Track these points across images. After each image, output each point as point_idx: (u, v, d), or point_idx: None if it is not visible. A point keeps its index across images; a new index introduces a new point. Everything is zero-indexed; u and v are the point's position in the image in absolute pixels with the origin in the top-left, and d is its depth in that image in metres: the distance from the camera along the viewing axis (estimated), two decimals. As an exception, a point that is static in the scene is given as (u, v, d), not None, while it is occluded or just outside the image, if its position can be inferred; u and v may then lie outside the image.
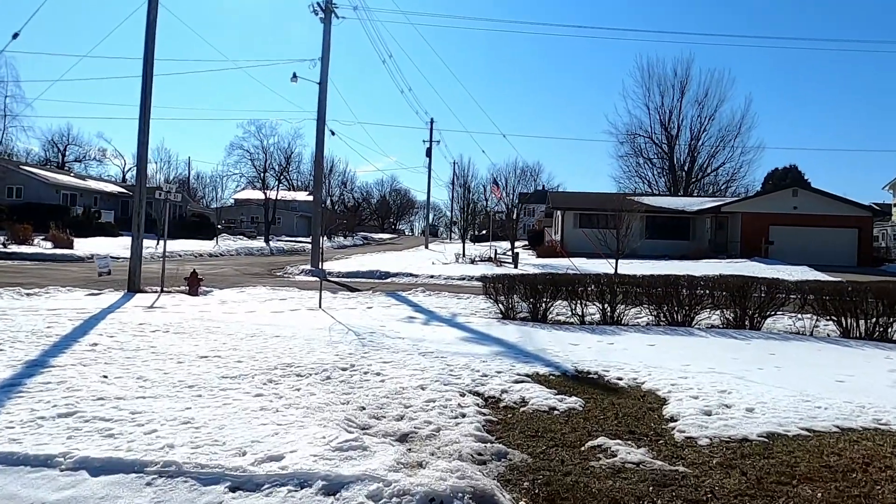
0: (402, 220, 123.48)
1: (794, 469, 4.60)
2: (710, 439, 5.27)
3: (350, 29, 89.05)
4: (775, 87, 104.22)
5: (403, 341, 9.30)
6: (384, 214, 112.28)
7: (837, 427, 5.75)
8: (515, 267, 28.68)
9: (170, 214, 52.65)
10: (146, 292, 14.69)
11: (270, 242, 48.20)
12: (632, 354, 9.08)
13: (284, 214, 68.33)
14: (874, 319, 11.51)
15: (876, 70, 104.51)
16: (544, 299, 12.55)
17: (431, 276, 23.17)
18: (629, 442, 5.09)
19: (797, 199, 36.37)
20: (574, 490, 4.04)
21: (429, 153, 52.96)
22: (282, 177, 57.98)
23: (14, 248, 28.50)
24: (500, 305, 12.85)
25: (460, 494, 3.50)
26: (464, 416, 5.57)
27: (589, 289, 12.57)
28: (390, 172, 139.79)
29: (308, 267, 25.34)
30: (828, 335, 11.68)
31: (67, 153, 74.16)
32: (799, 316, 12.56)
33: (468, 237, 46.84)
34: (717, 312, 12.40)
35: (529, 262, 31.71)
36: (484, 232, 63.33)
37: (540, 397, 6.35)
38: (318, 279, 14.18)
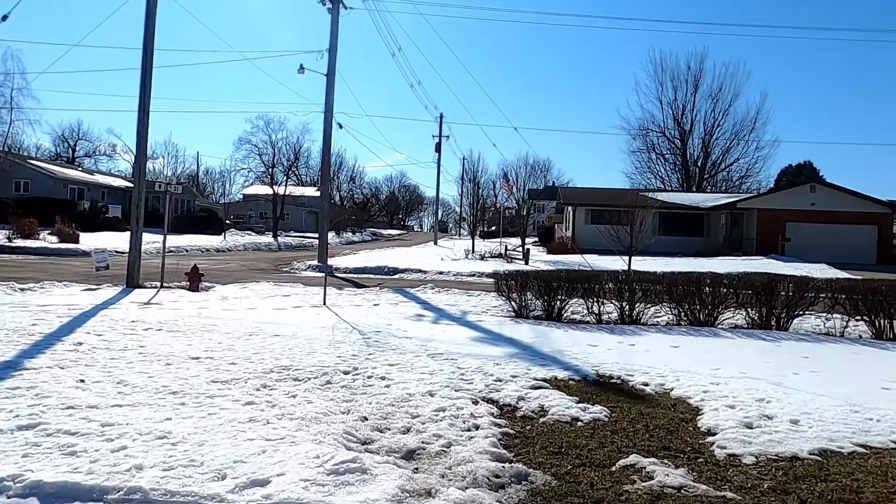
0: (411, 216, 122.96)
1: (860, 496, 3.99)
2: (756, 457, 4.66)
3: (358, 20, 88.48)
4: (791, 82, 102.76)
5: (411, 341, 8.72)
6: (393, 210, 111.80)
7: (895, 443, 5.14)
8: (526, 263, 28.05)
9: (177, 209, 52.05)
10: (145, 288, 14.19)
11: (278, 238, 47.80)
12: (655, 357, 8.48)
13: (293, 210, 67.92)
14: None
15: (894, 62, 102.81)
16: (559, 297, 11.95)
17: (440, 273, 22.60)
18: (665, 461, 4.49)
19: (815, 195, 35.50)
20: (608, 522, 3.45)
21: (438, 148, 52.32)
22: (290, 172, 57.68)
23: (19, 242, 28.17)
24: (512, 303, 12.26)
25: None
26: (477, 427, 4.99)
27: (606, 286, 11.94)
28: (399, 168, 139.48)
29: (315, 263, 24.82)
30: (859, 336, 11.03)
31: (78, 148, 74.07)
32: (827, 316, 11.91)
33: (477, 233, 46.23)
34: (742, 312, 11.75)
35: (540, 259, 31.08)
36: (493, 228, 62.70)
37: (560, 406, 5.76)
38: (324, 275, 13.63)
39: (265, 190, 59.82)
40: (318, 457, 3.74)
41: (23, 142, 56.12)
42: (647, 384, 6.85)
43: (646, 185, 57.20)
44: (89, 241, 30.47)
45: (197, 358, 6.78)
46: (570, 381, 6.86)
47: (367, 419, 4.98)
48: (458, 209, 73.71)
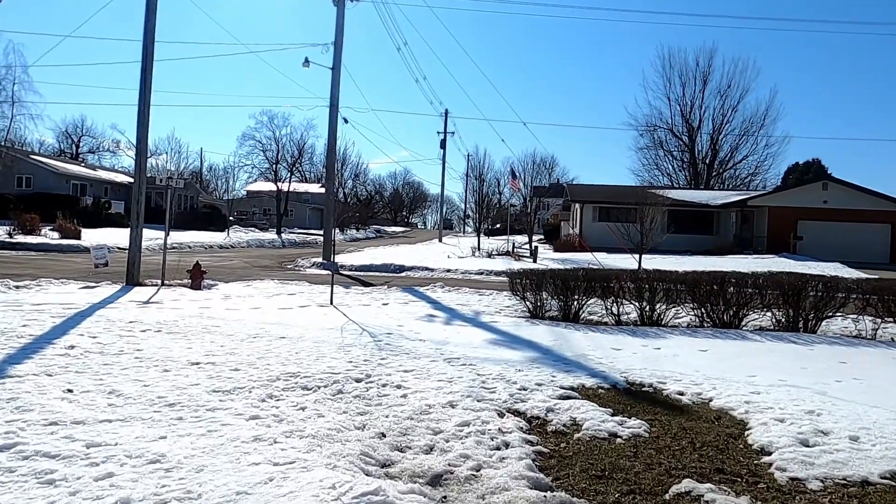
0: (415, 214, 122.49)
1: (955, 532, 3.48)
2: (822, 482, 4.15)
3: (365, 14, 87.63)
4: (799, 78, 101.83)
5: (424, 344, 8.22)
6: (397, 207, 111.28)
7: (971, 463, 4.62)
8: (534, 261, 27.52)
9: (181, 206, 51.60)
10: (145, 285, 13.71)
11: (282, 234, 47.34)
12: (684, 362, 7.97)
13: (297, 206, 67.50)
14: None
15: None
16: (576, 297, 11.43)
17: (448, 271, 22.09)
18: (722, 486, 3.98)
19: (827, 193, 34.87)
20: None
21: (443, 145, 51.77)
22: (294, 168, 57.07)
23: (20, 238, 27.73)
24: (527, 303, 11.74)
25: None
26: (507, 445, 4.49)
27: (626, 286, 11.42)
28: (404, 165, 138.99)
29: (320, 260, 24.35)
30: (892, 339, 10.50)
31: (81, 144, 73.69)
32: (855, 317, 11.39)
33: (483, 230, 45.69)
34: (768, 314, 11.22)
35: (548, 257, 30.56)
36: (498, 226, 62.08)
37: (594, 419, 5.25)
38: (329, 273, 13.15)
39: (269, 186, 59.39)
40: (335, 486, 3.24)
41: (25, 137, 55.79)
42: (682, 393, 6.34)
43: (653, 183, 56.59)
44: (91, 237, 30.03)
45: (197, 363, 6.29)
46: (600, 390, 6.35)
47: (384, 436, 4.48)
48: (462, 206, 73.18)
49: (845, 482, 4.18)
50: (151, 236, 28.23)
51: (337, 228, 60.36)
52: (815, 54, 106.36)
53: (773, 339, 9.88)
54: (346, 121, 27.46)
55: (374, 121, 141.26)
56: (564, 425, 5.15)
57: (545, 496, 3.56)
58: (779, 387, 6.71)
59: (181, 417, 4.43)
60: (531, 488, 3.67)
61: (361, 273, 21.09)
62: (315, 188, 70.13)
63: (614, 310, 11.36)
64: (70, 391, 4.94)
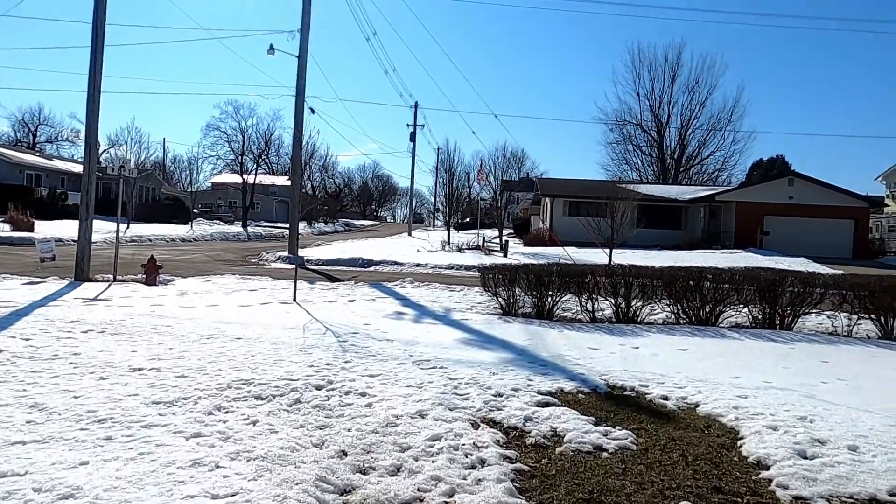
0: (384, 207, 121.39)
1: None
2: (828, 501, 3.78)
3: (332, 1, 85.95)
4: (765, 76, 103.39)
5: (392, 345, 7.72)
6: (366, 201, 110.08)
7: (976, 475, 4.31)
8: (505, 255, 27.18)
9: (142, 197, 49.99)
10: (96, 281, 12.92)
11: (248, 228, 46.24)
12: (665, 362, 7.62)
13: (263, 199, 66.11)
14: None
15: (866, 56, 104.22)
16: (550, 293, 11.04)
17: (418, 265, 21.58)
18: (723, 509, 3.58)
19: (793, 189, 35.20)
20: None
21: (413, 137, 51.08)
22: (260, 160, 55.84)
23: (-33, 231, 26.39)
24: (499, 300, 11.32)
25: None
26: (483, 462, 4.02)
27: (601, 282, 11.06)
28: (373, 157, 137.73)
29: (285, 254, 23.59)
30: (867, 336, 10.35)
31: (39, 133, 70.97)
32: (829, 314, 11.25)
33: (453, 224, 45.23)
34: (744, 310, 10.99)
35: (518, 251, 30.23)
36: (468, 219, 61.69)
37: (577, 429, 4.82)
38: (295, 267, 12.53)
39: (235, 178, 57.97)
40: (283, 526, 2.73)
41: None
42: (666, 398, 5.96)
43: (622, 177, 56.81)
44: (45, 229, 28.77)
45: (139, 369, 5.68)
46: (580, 395, 5.94)
47: (346, 454, 3.97)
48: (432, 200, 72.55)
49: (852, 500, 3.82)
50: (109, 228, 27.11)
51: (304, 222, 59.32)
52: (779, 51, 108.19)
53: (751, 336, 9.62)
54: (312, 111, 26.73)
55: (342, 112, 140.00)
56: (545, 437, 4.71)
57: (529, 529, 3.10)
58: (765, 389, 6.38)
59: (110, 437, 3.86)
60: (512, 518, 3.21)
61: (328, 267, 20.45)
62: (282, 181, 68.81)
63: (589, 306, 11.01)
64: (-16, 405, 4.33)
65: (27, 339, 6.66)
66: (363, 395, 5.34)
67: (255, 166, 53.84)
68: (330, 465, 3.73)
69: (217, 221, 50.45)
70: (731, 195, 36.84)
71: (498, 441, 4.51)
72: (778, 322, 10.70)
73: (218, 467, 3.47)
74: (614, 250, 24.60)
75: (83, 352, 6.29)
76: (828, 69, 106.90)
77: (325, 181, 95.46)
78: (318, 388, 5.44)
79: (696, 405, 5.75)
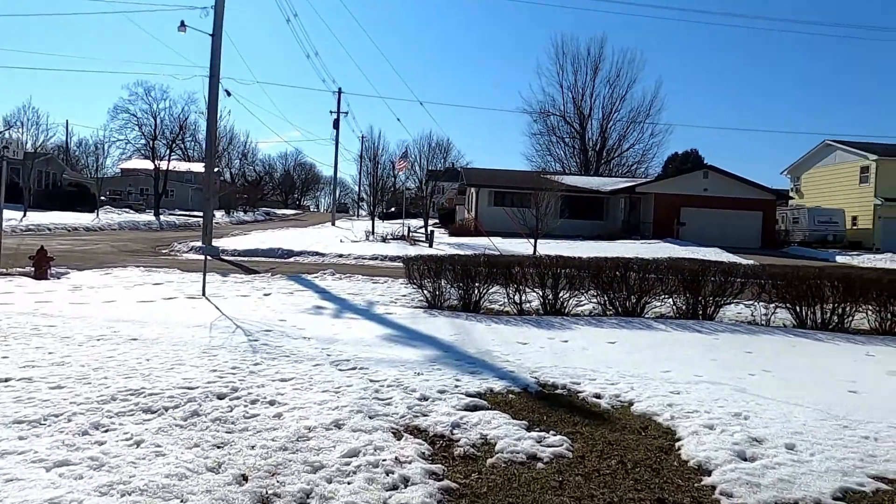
0: (308, 196, 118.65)
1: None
2: (775, 509, 3.54)
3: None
4: (681, 73, 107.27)
5: (309, 343, 7.13)
6: (288, 189, 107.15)
7: (911, 471, 4.22)
8: (430, 246, 26.81)
9: (41, 183, 46.54)
10: (-25, 275, 11.59)
11: (161, 216, 43.83)
12: (595, 356, 7.39)
13: (178, 187, 62.94)
14: (831, 308, 10.47)
15: (776, 56, 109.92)
16: (477, 284, 10.69)
17: (340, 256, 20.87)
18: (670, 526, 3.26)
19: (707, 181, 36.51)
20: None
21: (336, 125, 49.76)
22: (174, 145, 53.06)
23: None
24: (425, 292, 10.88)
25: None
26: (407, 482, 3.56)
27: (529, 273, 10.80)
28: (295, 145, 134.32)
29: (199, 244, 22.31)
30: (784, 325, 10.54)
31: (-81, 111, 64.82)
32: (748, 303, 11.43)
33: (377, 214, 44.46)
34: (669, 300, 11.00)
35: (444, 241, 29.95)
36: (393, 209, 60.98)
37: (509, 436, 4.43)
38: (207, 259, 11.62)
39: (146, 164, 54.97)
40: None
41: None
42: (600, 396, 5.68)
43: (546, 168, 57.46)
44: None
45: (6, 380, 4.88)
46: (510, 395, 5.57)
47: (246, 479, 3.41)
48: (356, 189, 71.26)
49: (798, 507, 3.60)
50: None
51: (223, 211, 56.95)
52: (695, 49, 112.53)
53: (677, 327, 9.59)
54: (228, 93, 25.23)
55: (262, 97, 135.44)
56: (474, 446, 4.29)
57: (459, 568, 2.65)
58: (697, 384, 6.23)
59: (-56, 473, 3.14)
60: (440, 554, 2.76)
61: (245, 259, 19.43)
62: (199, 167, 65.57)
63: (517, 298, 10.73)
64: None
65: None
66: (272, 403, 4.76)
67: (168, 152, 51.15)
68: (226, 494, 3.17)
69: (127, 210, 47.61)
70: (649, 187, 37.85)
71: (423, 454, 4.05)
72: (701, 312, 10.76)
73: (81, 507, 2.84)
74: (539, 241, 24.69)
75: (-60, 359, 5.39)
76: (738, 67, 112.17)
77: (244, 168, 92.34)
78: (221, 396, 4.82)
79: (631, 403, 5.49)
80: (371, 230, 32.47)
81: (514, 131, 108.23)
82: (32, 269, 11.69)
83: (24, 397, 4.45)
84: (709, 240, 31.96)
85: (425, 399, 5.19)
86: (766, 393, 6.00)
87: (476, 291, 10.64)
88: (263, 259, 19.59)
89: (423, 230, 33.21)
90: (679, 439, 4.62)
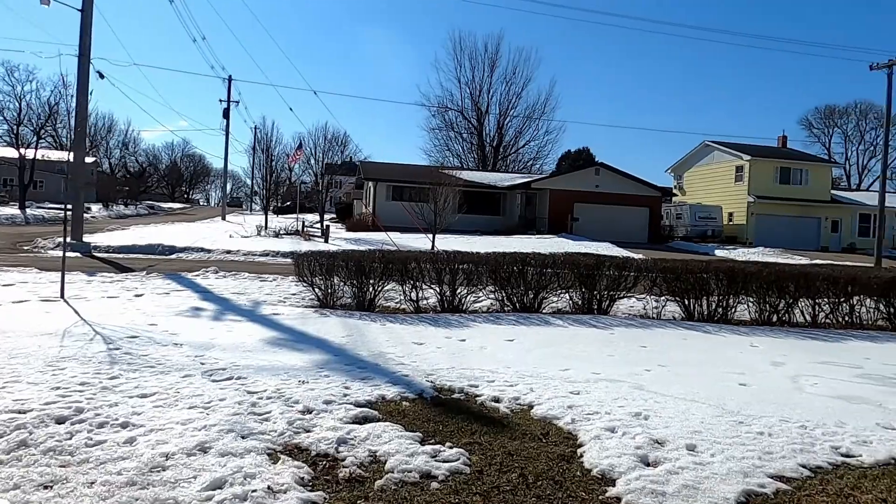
0: (197, 189, 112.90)
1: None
2: (683, 521, 3.32)
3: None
4: (574, 72, 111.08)
5: (180, 350, 6.38)
6: (175, 182, 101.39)
7: (805, 467, 4.19)
8: (326, 241, 25.95)
9: None
10: None
11: (27, 210, 39.99)
12: (493, 356, 7.12)
13: (48, 177, 57.77)
14: (716, 300, 10.84)
15: (665, 56, 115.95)
16: (372, 282, 10.19)
17: (228, 252, 19.66)
18: (576, 551, 2.94)
19: (599, 178, 37.76)
20: None
21: (226, 114, 47.27)
22: (43, 132, 48.55)
23: None
24: (316, 290, 10.25)
25: None
26: (279, 517, 3.04)
27: (426, 268, 10.43)
28: (182, 135, 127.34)
29: (68, 240, 20.33)
30: (673, 318, 10.79)
31: None
32: (640, 297, 11.66)
33: (271, 208, 42.75)
34: (565, 295, 10.99)
35: (340, 237, 29.13)
36: (288, 204, 59.01)
37: (401, 451, 3.99)
38: (78, 256, 10.38)
39: (10, 152, 49.95)
40: None
41: None
42: (498, 399, 5.36)
43: (444, 163, 57.59)
44: None
45: None
46: (404, 403, 5.14)
47: (74, 529, 2.77)
48: (249, 182, 68.34)
49: (705, 517, 3.40)
50: None
51: (101, 204, 52.89)
52: (587, 49, 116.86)
53: (574, 323, 9.53)
54: (101, 75, 23.12)
55: (144, 83, 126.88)
56: (362, 465, 3.82)
57: None
58: (595, 382, 6.07)
59: None
60: None
61: (121, 255, 17.85)
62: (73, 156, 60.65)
63: (413, 296, 10.33)
64: None
65: None
66: (124, 426, 4.07)
67: (36, 139, 46.73)
68: (42, 553, 2.52)
69: (-13, 202, 43.13)
70: (545, 183, 38.68)
71: (302, 479, 3.54)
72: (596, 307, 10.82)
73: None
74: (437, 236, 24.48)
75: None
76: (627, 67, 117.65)
77: (125, 159, 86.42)
78: (61, 420, 4.07)
79: (531, 406, 5.21)
80: (264, 225, 31.06)
81: (413, 126, 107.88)
82: None
83: None
84: (600, 234, 33.05)
85: (309, 412, 4.66)
86: (663, 389, 5.93)
87: (371, 289, 10.14)
88: (142, 256, 18.08)
89: (318, 225, 32.19)
90: (581, 445, 4.36)
